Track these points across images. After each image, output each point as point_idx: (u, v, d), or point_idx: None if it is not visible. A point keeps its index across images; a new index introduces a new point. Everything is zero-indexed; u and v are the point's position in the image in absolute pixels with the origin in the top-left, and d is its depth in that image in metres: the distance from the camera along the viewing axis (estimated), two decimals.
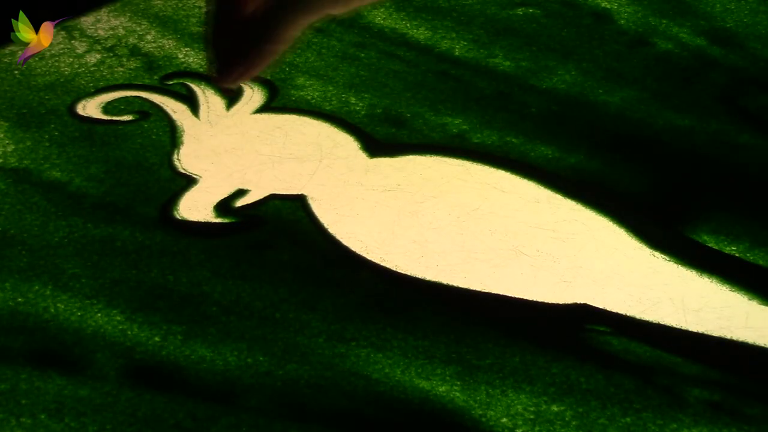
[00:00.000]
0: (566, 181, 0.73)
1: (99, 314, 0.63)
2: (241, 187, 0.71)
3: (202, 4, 0.91)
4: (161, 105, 0.79)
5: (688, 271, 0.67)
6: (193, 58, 0.84)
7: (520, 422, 0.57)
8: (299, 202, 0.71)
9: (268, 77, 0.83)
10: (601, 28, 0.89)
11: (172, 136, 0.76)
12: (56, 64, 0.83)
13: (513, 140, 0.77)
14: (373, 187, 0.72)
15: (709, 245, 0.69)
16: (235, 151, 0.74)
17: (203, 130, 0.76)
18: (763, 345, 0.62)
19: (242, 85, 0.61)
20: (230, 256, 0.67)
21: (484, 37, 0.87)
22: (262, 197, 0.71)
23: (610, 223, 0.70)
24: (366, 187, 0.72)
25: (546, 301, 0.64)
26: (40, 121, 0.77)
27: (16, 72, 0.82)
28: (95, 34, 0.87)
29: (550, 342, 0.62)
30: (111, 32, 0.87)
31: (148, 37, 0.86)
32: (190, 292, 0.64)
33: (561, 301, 0.64)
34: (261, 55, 0.64)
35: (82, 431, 0.56)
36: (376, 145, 0.76)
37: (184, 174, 0.72)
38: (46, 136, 0.76)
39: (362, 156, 0.75)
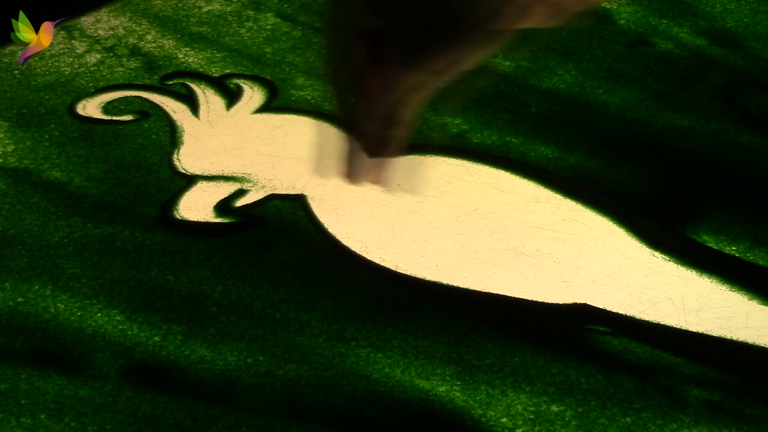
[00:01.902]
0: (566, 181, 0.73)
1: (99, 314, 0.63)
2: (241, 187, 0.71)
3: (203, 4, 0.91)
4: (161, 105, 0.79)
5: (688, 271, 0.67)
6: (193, 58, 0.84)
7: (520, 422, 0.57)
8: (299, 202, 0.71)
9: (268, 77, 0.83)
10: (601, 28, 0.89)
11: (172, 136, 0.76)
12: (56, 64, 0.83)
13: (513, 140, 0.77)
14: (373, 187, 0.72)
15: (709, 245, 0.69)
16: (235, 151, 0.74)
17: (203, 130, 0.76)
18: (763, 345, 0.62)
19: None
20: (230, 256, 0.67)
21: None
22: (262, 197, 0.71)
23: (610, 223, 0.70)
24: (366, 187, 0.72)
25: (546, 301, 0.64)
26: (40, 121, 0.77)
27: (16, 72, 0.82)
28: (95, 34, 0.87)
29: (550, 342, 0.62)
30: (111, 32, 0.87)
31: (148, 37, 0.86)
32: (190, 292, 0.64)
33: (561, 301, 0.64)
34: (393, 141, 0.63)
35: (82, 431, 0.56)
36: None
37: (184, 174, 0.72)
38: (46, 136, 0.76)
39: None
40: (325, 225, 0.69)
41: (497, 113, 0.80)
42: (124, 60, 0.84)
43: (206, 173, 0.72)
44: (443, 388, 0.59)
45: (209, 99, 0.79)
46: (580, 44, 0.87)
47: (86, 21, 0.88)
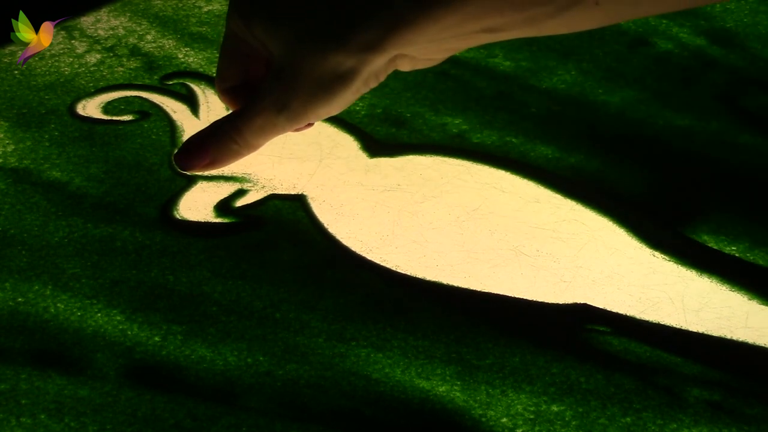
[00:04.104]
0: (566, 181, 0.73)
1: (99, 314, 0.63)
2: (241, 187, 0.71)
3: (203, 4, 0.91)
4: (161, 105, 0.79)
5: (688, 271, 0.67)
6: (193, 58, 0.84)
7: (520, 422, 0.57)
8: (299, 202, 0.71)
9: None
10: (601, 28, 0.89)
11: (172, 136, 0.76)
12: (56, 64, 0.83)
13: (513, 140, 0.77)
14: (373, 187, 0.72)
15: (709, 245, 0.69)
16: None
17: None
18: (763, 345, 0.62)
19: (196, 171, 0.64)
20: (230, 256, 0.67)
21: None
22: (262, 197, 0.71)
23: (610, 223, 0.70)
24: (366, 187, 0.72)
25: (546, 301, 0.64)
26: (40, 121, 0.77)
27: (16, 72, 0.82)
28: (95, 34, 0.87)
29: (550, 342, 0.62)
30: (111, 32, 0.87)
31: (148, 37, 0.86)
32: (190, 292, 0.64)
33: (561, 301, 0.64)
34: (224, 152, 0.68)
35: (82, 431, 0.56)
36: (376, 145, 0.76)
37: (184, 174, 0.72)
38: (46, 136, 0.76)
39: (362, 156, 0.75)
40: (325, 225, 0.69)
41: (497, 113, 0.80)
42: (124, 60, 0.84)
43: (206, 173, 0.72)
44: (443, 388, 0.59)
45: (209, 99, 0.79)
46: (580, 44, 0.87)
47: (86, 21, 0.88)
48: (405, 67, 0.62)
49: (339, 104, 0.63)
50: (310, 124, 0.66)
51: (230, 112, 0.75)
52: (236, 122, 0.64)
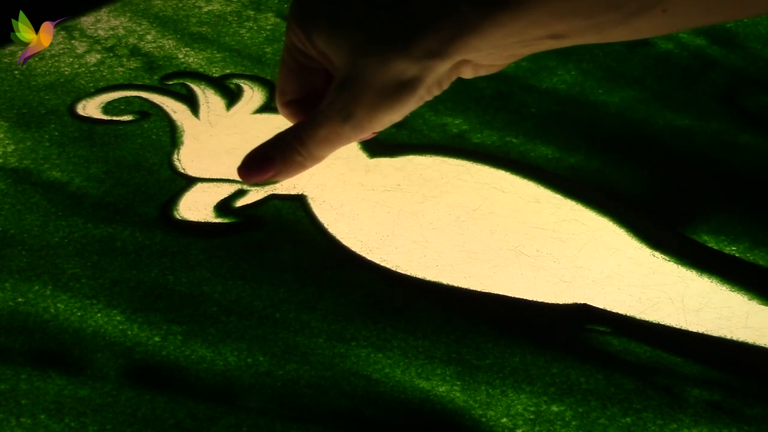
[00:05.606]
0: (566, 181, 0.73)
1: (99, 314, 0.63)
2: (241, 187, 0.71)
3: (203, 4, 0.91)
4: (161, 105, 0.79)
5: (688, 271, 0.67)
6: (193, 58, 0.84)
7: (520, 422, 0.57)
8: (299, 202, 0.71)
9: (268, 77, 0.83)
10: None
11: (172, 136, 0.76)
12: (56, 64, 0.83)
13: (513, 140, 0.77)
14: (373, 187, 0.72)
15: (709, 245, 0.69)
16: (235, 151, 0.74)
17: (203, 130, 0.76)
18: (763, 345, 0.62)
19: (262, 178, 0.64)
20: (230, 256, 0.67)
21: None
22: (262, 197, 0.71)
23: (610, 223, 0.70)
24: (366, 187, 0.72)
25: (546, 301, 0.64)
26: (40, 121, 0.77)
27: (16, 72, 0.82)
28: (95, 34, 0.87)
29: (550, 342, 0.62)
30: (111, 32, 0.87)
31: (148, 37, 0.87)
32: (190, 292, 0.64)
33: (561, 301, 0.64)
34: (289, 163, 0.68)
35: (82, 431, 0.56)
36: (376, 145, 0.76)
37: (184, 174, 0.72)
38: (46, 136, 0.76)
39: (362, 156, 0.75)
40: (325, 225, 0.69)
41: (497, 113, 0.80)
42: (124, 60, 0.84)
43: (206, 173, 0.72)
44: (443, 388, 0.59)
45: (209, 99, 0.79)
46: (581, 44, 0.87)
47: (86, 21, 0.88)
48: (467, 74, 0.62)
49: (402, 112, 0.62)
50: (375, 133, 0.66)
51: (229, 111, 0.75)
52: (300, 134, 0.64)
